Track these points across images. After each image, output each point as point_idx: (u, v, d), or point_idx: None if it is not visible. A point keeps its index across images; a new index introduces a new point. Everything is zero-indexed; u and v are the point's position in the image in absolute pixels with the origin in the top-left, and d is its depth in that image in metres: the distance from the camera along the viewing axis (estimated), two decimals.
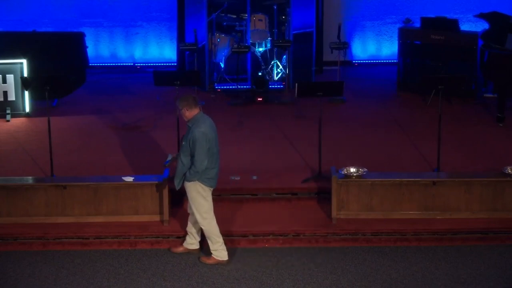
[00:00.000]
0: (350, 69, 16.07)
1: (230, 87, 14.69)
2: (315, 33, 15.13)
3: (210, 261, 9.29)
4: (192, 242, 9.51)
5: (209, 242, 9.29)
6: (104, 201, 9.96)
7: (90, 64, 14.63)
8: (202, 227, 9.25)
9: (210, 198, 9.22)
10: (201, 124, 9.00)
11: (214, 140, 9.08)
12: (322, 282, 8.87)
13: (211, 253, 9.31)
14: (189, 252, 9.49)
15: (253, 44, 14.83)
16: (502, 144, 12.00)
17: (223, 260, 9.27)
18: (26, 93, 13.36)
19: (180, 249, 9.48)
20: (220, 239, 9.28)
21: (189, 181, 9.08)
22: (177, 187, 9.23)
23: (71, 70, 13.83)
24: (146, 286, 8.82)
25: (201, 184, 9.10)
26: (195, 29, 14.51)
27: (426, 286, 8.77)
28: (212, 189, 9.26)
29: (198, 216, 9.19)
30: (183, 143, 9.07)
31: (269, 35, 14.87)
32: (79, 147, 12.01)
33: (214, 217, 9.26)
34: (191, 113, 9.07)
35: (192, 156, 8.98)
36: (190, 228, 9.46)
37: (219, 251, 9.28)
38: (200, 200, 9.15)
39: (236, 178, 10.69)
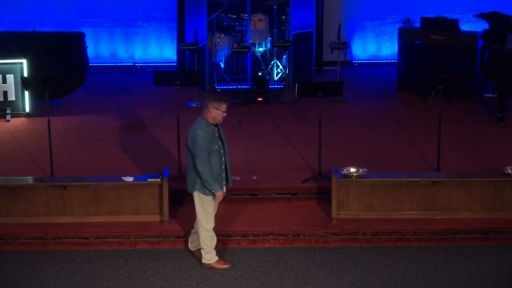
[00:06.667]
0: (350, 69, 16.07)
1: (230, 87, 14.69)
2: (315, 33, 15.13)
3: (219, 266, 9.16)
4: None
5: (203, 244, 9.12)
6: (104, 201, 9.96)
7: (90, 64, 14.62)
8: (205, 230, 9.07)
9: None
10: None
11: None
12: (322, 282, 8.87)
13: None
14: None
15: (253, 44, 14.83)
16: (502, 144, 11.99)
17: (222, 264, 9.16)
18: (26, 93, 13.36)
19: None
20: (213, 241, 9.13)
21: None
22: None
23: (71, 70, 13.84)
24: (146, 286, 8.82)
25: None
26: (195, 29, 14.51)
27: (426, 286, 8.76)
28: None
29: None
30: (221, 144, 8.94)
31: (269, 35, 14.87)
32: (79, 147, 12.01)
33: None
34: None
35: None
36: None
37: (210, 254, 9.11)
38: None
39: (236, 178, 10.69)
